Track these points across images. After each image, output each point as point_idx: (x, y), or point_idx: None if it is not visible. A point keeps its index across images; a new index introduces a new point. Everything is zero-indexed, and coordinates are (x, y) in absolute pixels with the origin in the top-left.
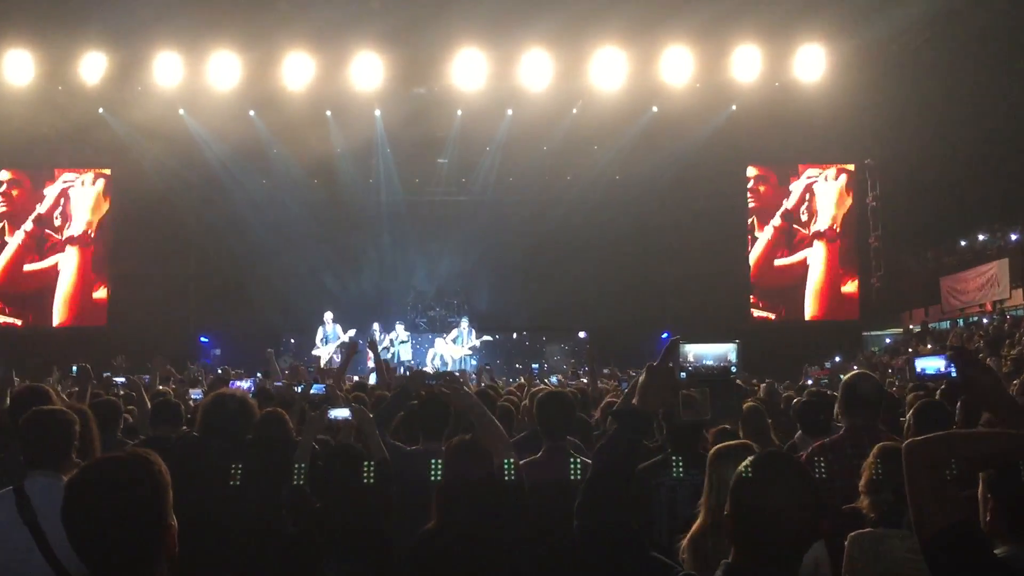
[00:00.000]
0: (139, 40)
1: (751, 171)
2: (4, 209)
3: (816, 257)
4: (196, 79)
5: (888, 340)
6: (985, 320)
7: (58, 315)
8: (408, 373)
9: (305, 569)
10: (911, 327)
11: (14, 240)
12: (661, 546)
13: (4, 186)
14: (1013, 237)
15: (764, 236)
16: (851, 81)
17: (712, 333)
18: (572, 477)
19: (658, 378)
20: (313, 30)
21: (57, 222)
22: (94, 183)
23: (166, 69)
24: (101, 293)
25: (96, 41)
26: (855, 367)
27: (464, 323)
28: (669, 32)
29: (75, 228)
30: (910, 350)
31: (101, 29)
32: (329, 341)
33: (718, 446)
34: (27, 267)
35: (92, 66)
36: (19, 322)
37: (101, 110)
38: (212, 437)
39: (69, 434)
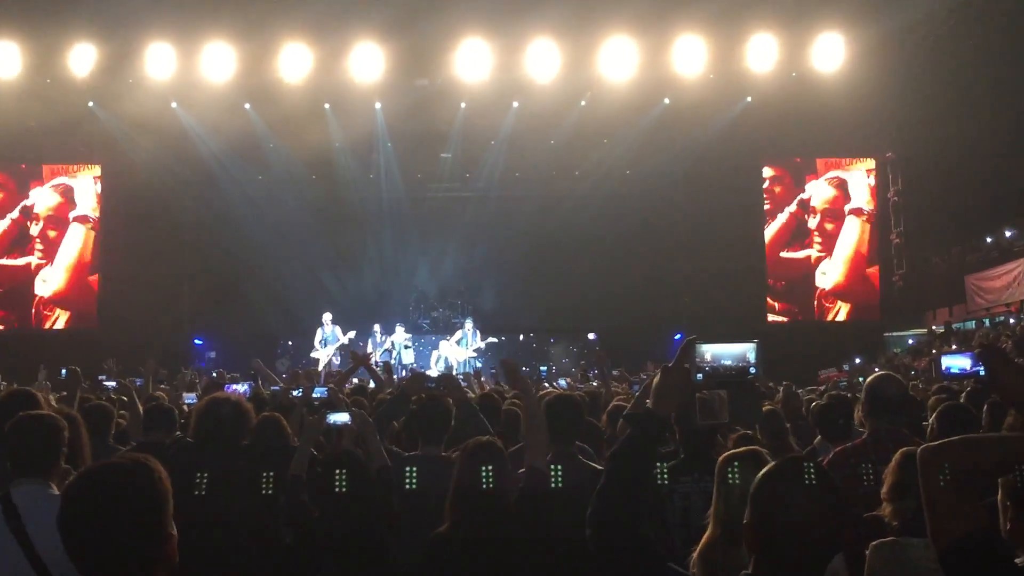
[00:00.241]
0: (130, 31)
1: (767, 171)
2: None
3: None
4: (189, 71)
5: (911, 341)
6: (1012, 320)
7: (46, 316)
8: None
9: None
10: (934, 327)
11: None
12: (676, 556)
13: None
14: None
15: (776, 224)
16: (872, 71)
17: (728, 333)
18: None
19: (673, 379)
20: (311, 20)
21: (43, 223)
22: (83, 179)
23: (158, 61)
24: (91, 293)
25: (85, 32)
26: (876, 369)
27: (468, 324)
28: (681, 20)
29: (65, 225)
30: (934, 351)
31: (90, 19)
32: (328, 343)
33: (727, 452)
34: (5, 261)
35: (81, 58)
36: (1, 326)
37: (91, 103)
38: (207, 443)
39: (57, 440)
